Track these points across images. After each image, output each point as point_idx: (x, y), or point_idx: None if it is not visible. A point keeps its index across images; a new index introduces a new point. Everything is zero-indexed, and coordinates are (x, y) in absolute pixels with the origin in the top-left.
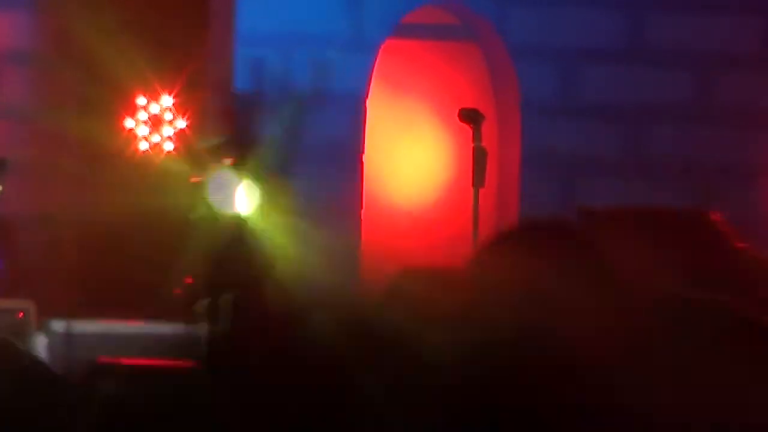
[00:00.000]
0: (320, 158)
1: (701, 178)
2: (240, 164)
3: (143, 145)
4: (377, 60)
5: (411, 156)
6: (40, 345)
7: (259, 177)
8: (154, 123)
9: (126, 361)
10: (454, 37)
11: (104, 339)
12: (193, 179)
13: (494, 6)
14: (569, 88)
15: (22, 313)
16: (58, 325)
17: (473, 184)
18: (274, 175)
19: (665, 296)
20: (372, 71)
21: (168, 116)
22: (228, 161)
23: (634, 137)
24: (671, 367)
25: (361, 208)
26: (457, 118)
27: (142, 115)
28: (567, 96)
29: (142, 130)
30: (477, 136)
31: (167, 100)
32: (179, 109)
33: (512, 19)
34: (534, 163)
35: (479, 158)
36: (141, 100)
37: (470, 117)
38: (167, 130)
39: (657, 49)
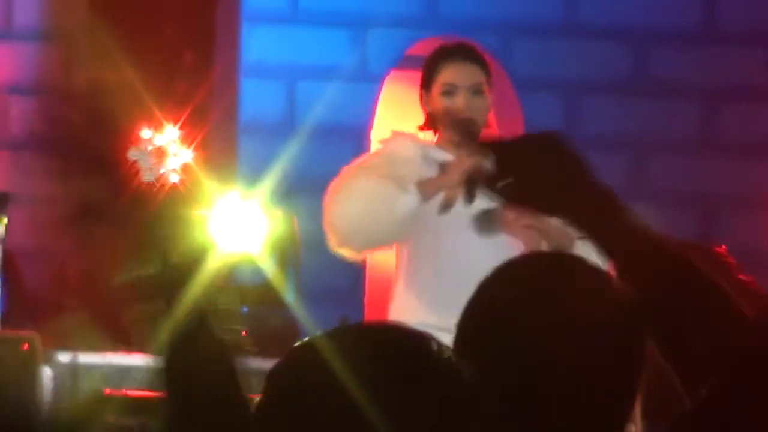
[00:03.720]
0: (324, 190)
1: (706, 210)
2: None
3: (147, 177)
4: (381, 91)
5: None
6: (46, 377)
7: (265, 210)
8: (159, 155)
9: (131, 392)
10: None
11: (110, 371)
12: (199, 212)
13: (498, 38)
14: (573, 119)
15: (27, 345)
16: (63, 357)
17: None
18: (278, 208)
19: None
20: (376, 102)
21: (173, 148)
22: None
23: (639, 169)
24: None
25: None
26: None
27: (146, 147)
28: (571, 127)
29: (147, 162)
30: None
31: (172, 132)
32: (184, 140)
33: (516, 52)
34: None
35: None
36: (145, 132)
37: None
38: (172, 162)
39: (662, 80)
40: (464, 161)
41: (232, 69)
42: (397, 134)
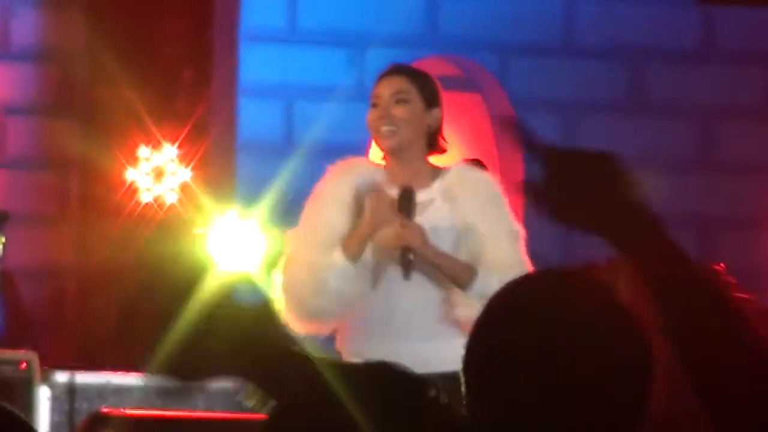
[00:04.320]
0: None
1: (703, 229)
2: (245, 214)
3: (146, 197)
4: None
5: None
6: (43, 396)
7: (263, 229)
8: (157, 174)
9: (129, 412)
10: (456, 89)
11: (107, 390)
12: (197, 231)
13: (496, 58)
14: (571, 139)
15: (25, 364)
16: (61, 377)
17: None
18: (277, 227)
19: None
20: None
21: (171, 167)
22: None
23: None
24: None
25: None
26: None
27: (145, 167)
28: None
29: (145, 182)
30: None
31: (170, 151)
32: (182, 160)
33: (515, 71)
34: (537, 215)
35: None
36: (143, 152)
37: None
38: (170, 182)
39: (659, 100)
40: (374, 200)
41: (231, 88)
42: (336, 167)
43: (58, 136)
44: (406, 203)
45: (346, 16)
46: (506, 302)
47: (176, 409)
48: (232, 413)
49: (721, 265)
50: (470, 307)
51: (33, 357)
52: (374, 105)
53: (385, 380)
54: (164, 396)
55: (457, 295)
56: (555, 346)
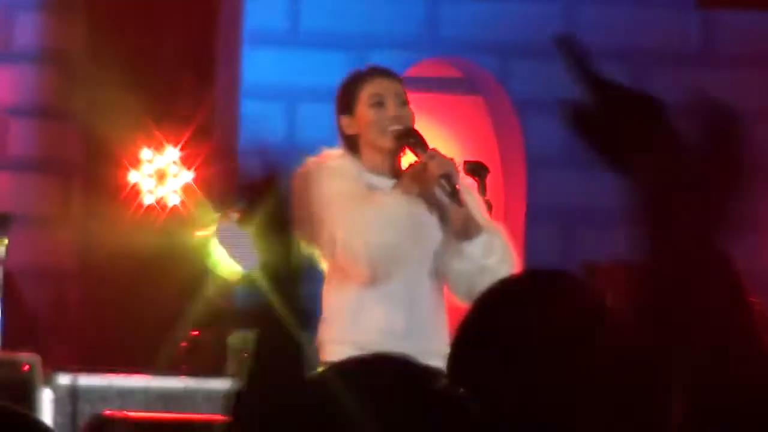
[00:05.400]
0: None
1: None
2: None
3: (148, 199)
4: None
5: None
6: (46, 398)
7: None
8: (159, 176)
9: (132, 414)
10: (458, 91)
11: (110, 393)
12: (199, 233)
13: (498, 60)
14: (574, 141)
15: (27, 367)
16: (63, 379)
17: None
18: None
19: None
20: None
21: (173, 169)
22: (235, 215)
23: None
24: None
25: None
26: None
27: (147, 169)
28: (572, 149)
29: (147, 184)
30: (482, 189)
31: (172, 153)
32: (185, 162)
33: (516, 73)
34: (539, 216)
35: None
36: (146, 154)
37: (475, 170)
38: (172, 184)
39: None
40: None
41: (233, 90)
42: (321, 157)
43: (61, 138)
44: (452, 185)
45: (347, 18)
46: (495, 298)
47: (179, 412)
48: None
49: None
50: (466, 261)
51: (35, 359)
52: (377, 104)
53: (391, 373)
54: (169, 399)
55: (457, 246)
56: (542, 341)
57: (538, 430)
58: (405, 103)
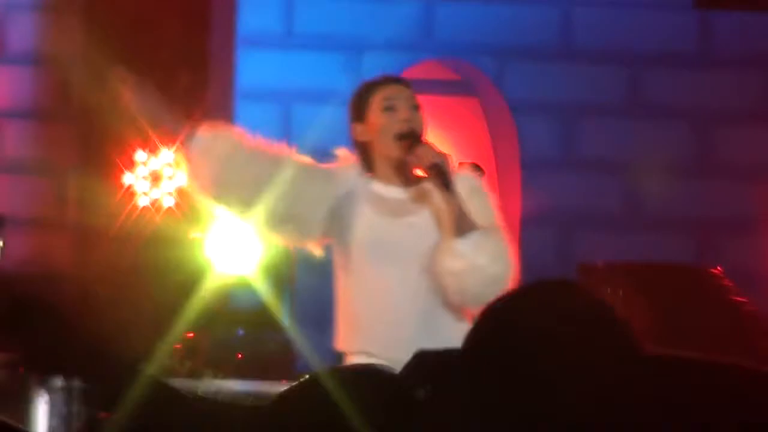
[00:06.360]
0: None
1: (700, 233)
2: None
3: (143, 201)
4: None
5: None
6: (41, 400)
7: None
8: (154, 178)
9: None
10: (453, 92)
11: None
12: (194, 235)
13: (493, 61)
14: (569, 142)
15: (23, 368)
16: (58, 381)
17: None
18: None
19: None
20: None
21: (168, 172)
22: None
23: (633, 191)
24: None
25: None
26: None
27: (142, 171)
28: (567, 150)
29: (142, 186)
30: None
31: (167, 156)
32: (179, 164)
33: (511, 75)
34: (534, 218)
35: None
36: (140, 156)
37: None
38: (167, 186)
39: (656, 104)
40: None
41: (228, 92)
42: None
43: (56, 140)
44: (443, 175)
45: (342, 20)
46: (505, 306)
47: None
48: None
49: (719, 268)
50: (457, 259)
51: None
52: (390, 108)
53: (372, 385)
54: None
55: (449, 243)
56: (549, 346)
57: None
58: (416, 107)
